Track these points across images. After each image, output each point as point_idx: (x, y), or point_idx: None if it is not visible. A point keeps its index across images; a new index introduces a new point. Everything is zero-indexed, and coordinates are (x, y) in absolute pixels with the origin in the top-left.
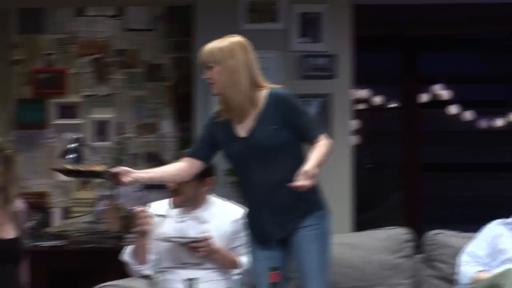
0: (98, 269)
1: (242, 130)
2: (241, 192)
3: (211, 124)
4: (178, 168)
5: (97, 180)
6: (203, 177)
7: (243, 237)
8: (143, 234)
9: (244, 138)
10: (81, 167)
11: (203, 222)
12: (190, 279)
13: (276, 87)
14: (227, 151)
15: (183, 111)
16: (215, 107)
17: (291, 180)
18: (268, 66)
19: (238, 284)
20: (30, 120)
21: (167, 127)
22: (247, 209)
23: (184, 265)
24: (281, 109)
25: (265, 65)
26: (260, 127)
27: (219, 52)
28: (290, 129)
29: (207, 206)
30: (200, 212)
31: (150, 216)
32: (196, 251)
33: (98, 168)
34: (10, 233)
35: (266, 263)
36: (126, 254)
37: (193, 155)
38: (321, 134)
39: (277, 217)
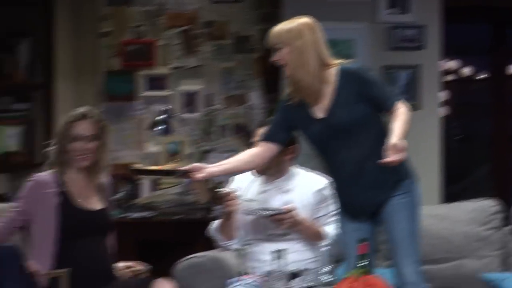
0: (187, 241)
1: (319, 111)
2: (326, 168)
3: (285, 107)
4: (252, 154)
5: (170, 178)
6: (286, 145)
7: (327, 207)
8: (230, 214)
9: (322, 119)
10: (153, 167)
11: (286, 191)
12: (278, 251)
13: (346, 62)
14: (306, 133)
15: (271, 82)
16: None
17: (376, 153)
18: (356, 37)
19: (326, 255)
20: (118, 92)
21: (255, 98)
22: (335, 184)
23: (269, 237)
24: (354, 83)
25: (353, 36)
26: (337, 105)
27: (287, 34)
28: (366, 102)
29: (290, 176)
30: (283, 182)
31: (236, 197)
32: (280, 223)
33: (170, 166)
34: (98, 204)
35: (355, 234)
36: (213, 230)
37: (268, 139)
38: (397, 101)
39: (367, 191)
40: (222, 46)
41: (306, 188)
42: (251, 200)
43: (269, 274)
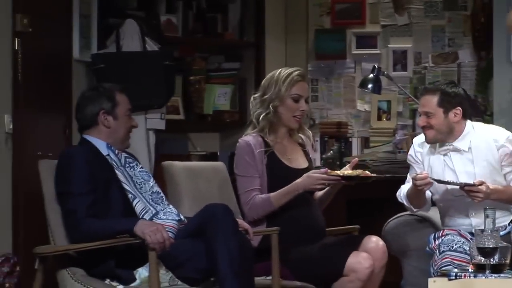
0: (396, 199)
1: None
2: None
3: None
4: None
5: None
6: (449, 108)
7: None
8: (421, 191)
9: None
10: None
11: (466, 151)
12: (488, 209)
13: None
14: None
15: (482, 40)
16: None
17: None
18: None
19: None
20: (329, 50)
21: (466, 56)
22: None
23: (457, 198)
24: None
25: None
26: None
27: None
28: None
29: (466, 135)
30: (460, 142)
31: (428, 178)
32: (472, 195)
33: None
34: (302, 163)
35: None
36: (402, 196)
37: None
38: None
39: None
40: (433, 3)
41: (486, 144)
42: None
43: (480, 232)
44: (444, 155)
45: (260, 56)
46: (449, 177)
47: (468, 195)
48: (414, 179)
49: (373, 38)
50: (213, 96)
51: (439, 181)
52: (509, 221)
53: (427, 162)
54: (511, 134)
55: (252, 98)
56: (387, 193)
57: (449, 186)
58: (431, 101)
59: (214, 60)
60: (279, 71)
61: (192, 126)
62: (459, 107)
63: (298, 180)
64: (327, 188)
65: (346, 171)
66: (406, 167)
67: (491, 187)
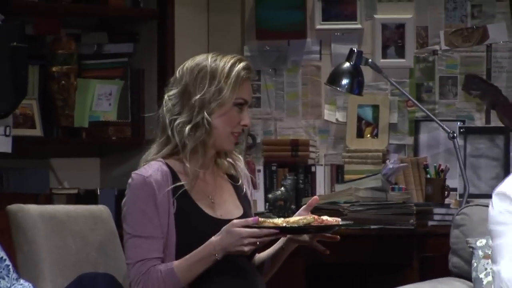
0: (387, 265)
1: None
2: None
3: None
4: None
5: None
6: None
7: None
8: None
9: None
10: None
11: None
12: None
13: None
14: None
15: None
16: None
17: None
18: None
19: None
20: (278, 23)
21: (500, 33)
22: None
23: None
24: None
25: None
26: None
27: None
28: None
29: None
30: None
31: None
32: None
33: None
34: (234, 210)
35: None
36: None
37: None
38: None
39: None
40: None
41: None
42: None
43: None
44: None
45: (165, 34)
46: None
47: None
48: None
49: (351, 5)
50: (90, 99)
51: None
52: None
53: None
54: None
55: (166, 96)
56: (371, 256)
57: None
58: None
59: (91, 39)
60: (213, 58)
61: (56, 147)
62: None
63: (214, 239)
64: (271, 250)
65: (294, 218)
66: (401, 213)
67: None
